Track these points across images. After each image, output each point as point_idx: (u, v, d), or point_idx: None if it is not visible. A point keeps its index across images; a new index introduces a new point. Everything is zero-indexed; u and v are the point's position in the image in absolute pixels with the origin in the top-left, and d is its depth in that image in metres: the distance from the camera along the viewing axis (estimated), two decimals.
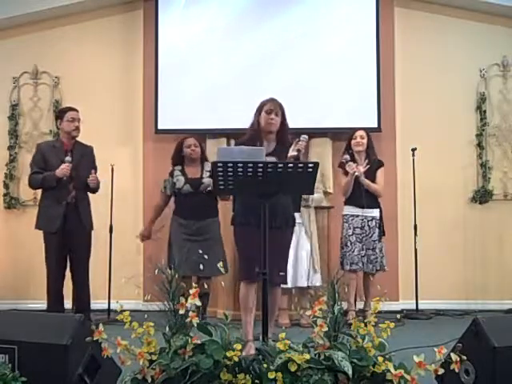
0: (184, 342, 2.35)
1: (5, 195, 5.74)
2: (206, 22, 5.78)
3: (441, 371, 2.29)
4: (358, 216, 4.76)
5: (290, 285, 4.68)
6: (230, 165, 2.64)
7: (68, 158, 4.24)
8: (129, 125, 5.86)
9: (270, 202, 2.76)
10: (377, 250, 4.75)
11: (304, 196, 4.67)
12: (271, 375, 2.25)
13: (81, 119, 4.43)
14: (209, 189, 4.48)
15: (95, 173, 4.42)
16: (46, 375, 2.41)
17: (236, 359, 2.29)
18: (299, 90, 5.57)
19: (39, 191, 4.52)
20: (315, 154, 5.53)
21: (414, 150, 5.28)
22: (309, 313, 2.43)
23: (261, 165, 2.65)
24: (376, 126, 5.56)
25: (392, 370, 2.27)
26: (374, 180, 4.79)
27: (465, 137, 5.73)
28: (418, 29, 5.82)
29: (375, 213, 4.79)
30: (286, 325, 4.58)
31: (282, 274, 3.29)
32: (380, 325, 2.44)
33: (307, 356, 2.29)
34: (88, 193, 4.47)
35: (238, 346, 2.32)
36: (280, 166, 2.70)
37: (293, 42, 5.73)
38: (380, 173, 4.84)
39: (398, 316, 3.46)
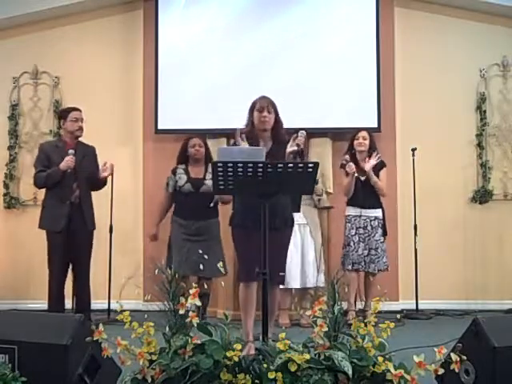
0: (184, 342, 2.35)
1: (5, 195, 5.74)
2: (206, 22, 5.78)
3: (441, 371, 2.29)
4: (360, 216, 4.77)
5: (298, 286, 4.71)
6: (229, 165, 2.64)
7: (71, 151, 4.25)
8: (129, 125, 5.86)
9: (269, 202, 2.75)
10: (379, 250, 4.75)
11: (314, 196, 4.69)
12: (271, 375, 2.25)
13: (84, 119, 4.44)
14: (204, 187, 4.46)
15: (96, 165, 4.43)
16: (45, 375, 2.41)
17: (236, 359, 2.29)
18: (299, 89, 5.57)
19: (41, 191, 4.52)
20: (315, 154, 5.52)
21: (414, 150, 5.28)
22: (309, 313, 2.43)
23: (261, 165, 2.65)
24: (376, 126, 5.56)
25: (392, 370, 2.27)
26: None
27: (465, 137, 5.73)
28: (417, 29, 5.82)
29: (378, 213, 4.80)
30: (286, 325, 4.58)
31: (281, 274, 3.28)
32: (380, 325, 2.44)
33: (307, 356, 2.29)
34: (91, 192, 4.48)
35: (238, 346, 2.32)
36: (280, 165, 2.70)
37: (293, 42, 5.73)
38: (383, 173, 4.85)
39: (398, 316, 3.46)
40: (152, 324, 2.43)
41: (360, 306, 4.89)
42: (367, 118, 5.52)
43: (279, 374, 2.25)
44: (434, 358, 2.28)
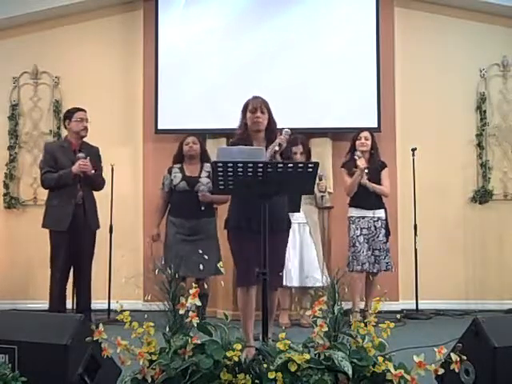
0: (184, 342, 2.35)
1: (5, 195, 5.74)
2: (206, 22, 5.77)
3: (441, 371, 2.29)
4: (364, 217, 4.76)
5: (297, 284, 4.70)
6: (229, 165, 2.64)
7: (82, 154, 4.26)
8: (129, 125, 5.86)
9: (265, 203, 2.73)
10: (383, 251, 4.74)
11: (317, 193, 4.67)
12: (271, 375, 2.25)
13: (89, 119, 4.45)
14: (202, 187, 4.44)
15: (99, 165, 4.41)
16: (45, 375, 2.41)
17: (236, 359, 2.29)
18: (299, 89, 5.57)
19: (41, 191, 4.53)
20: (315, 154, 5.50)
21: (414, 150, 5.28)
22: (309, 313, 2.43)
23: (261, 165, 2.65)
24: (376, 126, 5.56)
25: (392, 370, 2.27)
26: (379, 181, 4.80)
27: (465, 137, 5.73)
28: (417, 29, 5.82)
29: (381, 213, 4.79)
30: (286, 325, 4.58)
31: (280, 274, 3.26)
32: (380, 325, 2.44)
33: (307, 356, 2.29)
34: (94, 192, 4.50)
35: (238, 346, 2.32)
36: (280, 165, 2.70)
37: (293, 42, 5.73)
38: (385, 174, 4.85)
39: (398, 316, 3.46)
40: (152, 324, 2.43)
41: (360, 305, 4.89)
42: (367, 118, 5.52)
43: (279, 374, 2.25)
44: (434, 358, 2.28)
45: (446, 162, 5.66)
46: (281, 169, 2.68)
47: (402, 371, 2.27)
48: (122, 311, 2.46)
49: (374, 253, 4.73)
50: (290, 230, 3.52)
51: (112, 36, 5.90)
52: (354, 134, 4.93)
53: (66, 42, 5.85)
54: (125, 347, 2.39)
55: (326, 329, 2.35)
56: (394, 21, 5.82)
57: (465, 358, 2.30)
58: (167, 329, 2.44)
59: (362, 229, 4.75)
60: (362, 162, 4.67)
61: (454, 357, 2.28)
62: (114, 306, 2.68)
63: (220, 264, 3.23)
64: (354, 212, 4.80)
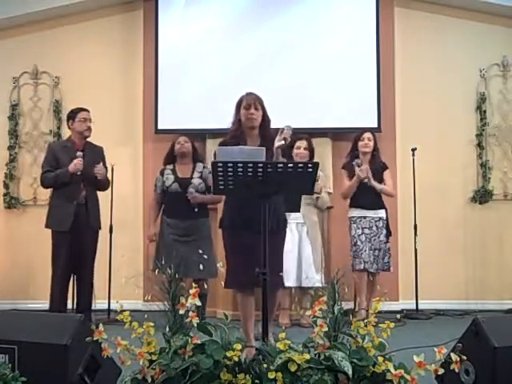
0: (184, 342, 2.35)
1: (5, 195, 5.74)
2: (206, 22, 5.78)
3: (441, 371, 2.29)
4: (365, 217, 4.75)
5: (293, 284, 4.70)
6: (229, 165, 2.64)
7: (80, 153, 4.27)
8: (129, 125, 5.86)
9: (260, 203, 2.71)
10: (383, 251, 4.74)
11: (313, 196, 4.66)
12: (271, 375, 2.25)
13: (92, 119, 4.46)
14: (190, 189, 4.43)
15: (99, 163, 4.44)
16: (45, 375, 2.40)
17: (236, 359, 2.29)
18: (299, 89, 5.57)
19: (42, 191, 4.53)
20: (315, 153, 5.51)
21: (414, 150, 5.28)
22: (309, 313, 2.43)
23: (261, 165, 2.65)
24: (376, 126, 5.56)
25: (392, 370, 2.27)
26: (380, 182, 4.79)
27: (465, 137, 5.74)
28: (417, 29, 5.82)
29: (382, 213, 4.79)
30: (286, 325, 4.58)
31: (280, 274, 3.23)
32: (380, 325, 2.44)
33: (307, 356, 2.29)
34: (97, 192, 4.50)
35: (238, 346, 2.32)
36: (280, 165, 2.70)
37: (293, 42, 5.73)
38: (387, 175, 4.85)
39: (398, 316, 3.46)
40: (152, 324, 2.43)
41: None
42: (367, 118, 5.52)
43: (279, 374, 2.25)
44: (434, 358, 2.28)
45: (446, 162, 5.66)
46: (281, 169, 2.68)
47: (402, 371, 2.27)
48: (122, 311, 2.46)
49: (375, 253, 4.73)
50: (288, 230, 3.49)
51: (112, 36, 5.90)
52: (355, 134, 4.92)
53: (66, 42, 5.85)
54: (125, 347, 2.39)
55: (325, 329, 2.35)
56: (394, 21, 5.83)
57: (465, 358, 2.30)
58: (167, 329, 2.44)
59: (363, 228, 4.74)
60: (363, 173, 4.64)
61: (453, 357, 2.27)
62: (114, 305, 2.68)
63: (220, 264, 3.23)
64: (355, 212, 4.78)
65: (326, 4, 5.78)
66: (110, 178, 4.82)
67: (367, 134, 4.82)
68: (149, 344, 2.40)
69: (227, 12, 5.81)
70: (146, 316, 2.51)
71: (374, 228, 4.74)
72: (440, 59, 5.76)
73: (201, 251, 3.93)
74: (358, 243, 4.73)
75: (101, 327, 2.43)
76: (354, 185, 4.71)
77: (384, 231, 4.77)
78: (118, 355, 2.43)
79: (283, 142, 2.99)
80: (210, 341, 2.36)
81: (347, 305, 4.57)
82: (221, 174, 2.67)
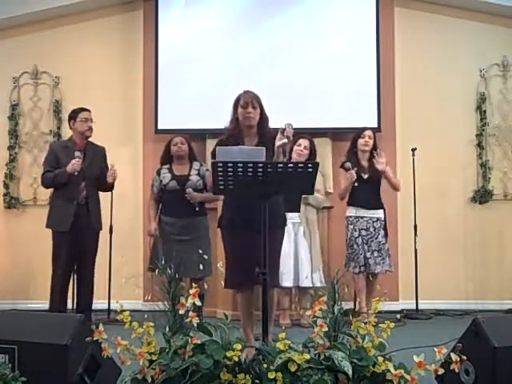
0: (184, 342, 2.35)
1: (5, 195, 5.74)
2: (206, 22, 5.78)
3: (441, 371, 2.29)
4: (362, 217, 4.73)
5: (290, 284, 4.69)
6: (229, 165, 2.64)
7: (78, 153, 4.28)
8: (129, 125, 5.86)
9: (259, 202, 2.71)
10: (383, 252, 4.72)
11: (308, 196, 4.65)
12: (271, 375, 2.25)
13: (93, 119, 4.46)
14: (188, 189, 4.43)
15: (106, 166, 4.45)
16: (45, 375, 2.40)
17: (236, 359, 2.29)
18: (299, 89, 5.57)
19: (42, 191, 4.54)
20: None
21: (414, 150, 5.28)
22: (309, 313, 2.42)
23: (261, 165, 2.65)
24: (376, 126, 5.55)
25: (392, 370, 2.27)
26: (380, 180, 4.78)
27: (465, 137, 5.74)
28: (417, 29, 5.82)
29: (380, 213, 4.77)
30: (287, 325, 4.58)
31: (275, 272, 3.20)
32: (380, 325, 2.44)
33: (307, 356, 2.29)
34: (99, 192, 4.50)
35: (238, 346, 2.32)
36: (280, 165, 2.70)
37: (293, 42, 5.73)
38: (389, 171, 4.81)
39: (398, 316, 3.46)
40: (152, 324, 2.43)
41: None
42: (367, 118, 5.51)
43: (279, 374, 2.25)
44: (434, 358, 2.28)
45: (446, 162, 5.66)
46: (281, 169, 2.67)
47: (402, 371, 2.27)
48: (122, 311, 2.46)
49: (374, 254, 4.70)
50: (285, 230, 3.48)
51: (112, 36, 5.90)
52: (354, 132, 4.91)
53: (66, 42, 5.85)
54: (125, 347, 2.39)
55: (325, 329, 2.35)
56: (394, 21, 5.82)
57: (465, 358, 2.30)
58: (167, 329, 2.44)
59: (360, 230, 4.72)
60: (351, 176, 4.59)
61: (453, 357, 2.27)
62: (114, 306, 2.68)
63: (220, 264, 3.22)
64: (353, 211, 4.76)
65: (325, 4, 5.78)
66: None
67: (368, 132, 4.81)
68: (149, 344, 2.40)
69: (227, 12, 5.81)
70: (145, 316, 2.51)
71: (372, 229, 4.72)
72: (440, 59, 5.76)
73: (201, 251, 3.92)
74: (355, 246, 4.70)
75: (101, 327, 2.43)
76: (347, 186, 4.68)
77: (382, 232, 4.75)
78: (118, 355, 2.43)
79: (286, 141, 2.97)
80: (210, 341, 2.36)
81: (347, 305, 4.60)
82: (221, 174, 2.67)
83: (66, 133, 5.05)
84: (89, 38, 5.87)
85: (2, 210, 5.76)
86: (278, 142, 2.99)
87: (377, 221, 4.74)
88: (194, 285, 2.50)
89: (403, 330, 4.31)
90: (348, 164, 4.73)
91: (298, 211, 4.73)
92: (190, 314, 2.40)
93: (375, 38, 5.68)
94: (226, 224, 3.25)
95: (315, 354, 2.35)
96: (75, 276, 4.44)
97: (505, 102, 5.79)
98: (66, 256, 4.27)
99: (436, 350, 2.27)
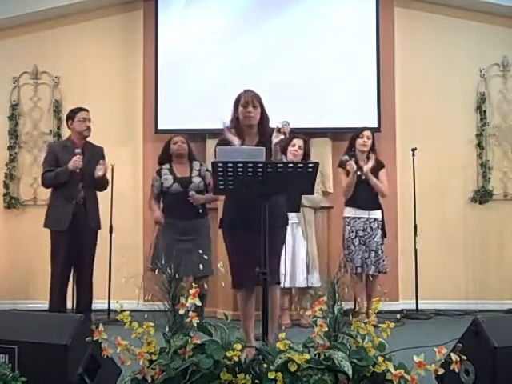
0: (184, 342, 2.35)
1: (5, 195, 5.74)
2: (206, 22, 5.78)
3: (441, 371, 2.29)
4: (360, 218, 4.72)
5: (288, 285, 4.68)
6: (229, 165, 2.64)
7: (78, 151, 4.27)
8: (129, 125, 5.86)
9: (260, 202, 2.71)
10: (380, 252, 4.72)
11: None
12: (271, 375, 2.25)
13: (91, 119, 4.46)
14: (191, 192, 4.43)
15: (103, 164, 4.43)
16: (45, 375, 2.41)
17: (236, 359, 2.29)
18: (299, 89, 5.57)
19: (42, 191, 4.54)
20: (315, 154, 5.51)
21: (414, 150, 5.28)
22: (309, 313, 2.42)
23: (261, 165, 2.65)
24: (376, 126, 5.56)
25: (392, 370, 2.27)
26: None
27: (465, 137, 5.74)
28: (417, 29, 5.82)
29: (377, 214, 4.76)
30: (287, 325, 4.58)
31: (276, 270, 3.17)
32: (380, 325, 2.44)
33: (307, 356, 2.29)
34: (97, 192, 4.49)
35: (238, 346, 2.32)
36: (280, 165, 2.70)
37: (293, 42, 5.73)
38: (383, 174, 4.81)
39: (398, 316, 3.45)
40: (152, 324, 2.43)
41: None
42: (367, 118, 5.51)
43: (279, 374, 2.25)
44: (434, 358, 2.28)
45: (446, 162, 5.66)
46: (281, 169, 2.67)
47: (402, 371, 2.27)
48: (122, 311, 2.46)
49: (371, 254, 4.70)
50: None
51: (112, 36, 5.90)
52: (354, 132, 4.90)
53: (66, 42, 5.85)
54: (125, 347, 2.39)
55: (325, 329, 2.35)
56: (394, 21, 5.83)
57: (465, 358, 2.30)
58: (167, 329, 2.44)
59: (357, 231, 4.71)
60: (351, 166, 4.60)
61: (454, 357, 2.27)
62: (114, 306, 2.68)
63: (220, 264, 3.22)
64: (350, 212, 4.76)
65: (325, 4, 5.78)
66: (109, 178, 4.83)
67: (367, 133, 4.80)
68: (149, 344, 2.40)
69: (227, 12, 5.81)
70: (145, 316, 2.51)
71: (369, 229, 4.72)
72: (440, 59, 5.76)
73: (201, 251, 3.91)
74: (352, 247, 4.70)
75: (101, 327, 2.43)
76: (351, 181, 4.66)
77: (379, 232, 4.74)
78: (118, 355, 2.43)
79: (282, 137, 2.95)
80: (210, 341, 2.36)
81: (347, 305, 4.60)
82: (221, 174, 2.67)
83: (66, 133, 5.04)
84: (89, 38, 5.87)
85: (2, 210, 5.77)
86: (274, 140, 2.97)
87: (374, 221, 4.74)
88: (193, 285, 2.50)
89: (403, 330, 4.31)
90: (346, 157, 4.72)
91: (298, 211, 4.74)
92: (190, 313, 2.40)
93: (375, 38, 5.68)
94: (227, 225, 3.24)
95: (315, 354, 2.35)
96: (75, 276, 4.43)
97: (505, 102, 5.79)
98: (64, 255, 4.27)
99: (436, 349, 2.27)
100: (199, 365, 2.27)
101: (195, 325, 2.40)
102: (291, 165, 2.73)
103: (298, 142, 4.62)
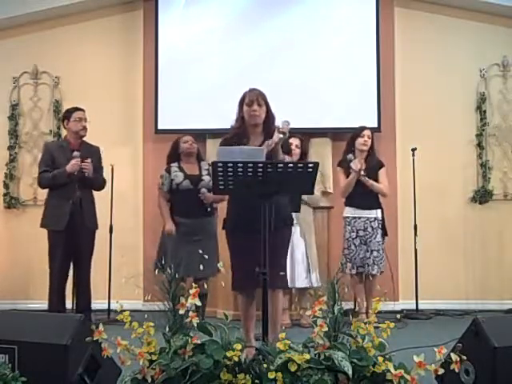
0: (184, 342, 2.35)
1: (5, 195, 5.74)
2: (206, 22, 5.78)
3: (441, 371, 2.29)
4: (360, 218, 4.72)
5: (288, 285, 4.68)
6: (229, 165, 2.64)
7: (76, 153, 4.27)
8: (129, 125, 5.86)
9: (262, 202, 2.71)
10: (380, 252, 4.72)
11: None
12: (271, 375, 2.25)
13: (87, 119, 4.45)
14: (202, 189, 4.42)
15: (100, 165, 4.41)
16: (45, 375, 2.41)
17: (236, 359, 2.29)
18: (299, 89, 5.57)
19: (42, 191, 4.54)
20: (315, 154, 5.52)
21: (414, 150, 5.28)
22: (309, 313, 2.42)
23: (261, 165, 2.65)
24: (376, 126, 5.56)
25: (392, 370, 2.27)
26: (376, 181, 4.75)
27: (465, 137, 5.73)
28: (417, 29, 5.82)
29: (377, 213, 4.76)
30: (287, 325, 4.58)
31: (281, 273, 3.16)
32: (380, 325, 2.44)
33: (307, 356, 2.29)
34: (93, 192, 4.49)
35: (238, 346, 2.32)
36: (280, 165, 2.70)
37: (293, 42, 5.73)
38: (383, 173, 4.81)
39: (398, 316, 3.46)
40: (152, 324, 2.43)
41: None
42: (367, 118, 5.50)
43: (279, 374, 2.25)
44: (434, 358, 2.28)
45: (446, 162, 5.66)
46: (281, 169, 2.67)
47: (402, 371, 2.27)
48: (122, 311, 2.46)
49: (373, 253, 4.69)
50: None
51: (112, 36, 5.90)
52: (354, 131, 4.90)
53: (66, 42, 5.85)
54: (125, 347, 2.39)
55: (325, 329, 2.35)
56: (394, 21, 5.82)
57: (465, 358, 2.30)
58: (167, 329, 2.44)
59: (357, 230, 4.71)
60: (356, 165, 4.60)
61: (454, 357, 2.27)
62: (114, 306, 2.68)
63: (220, 264, 3.22)
64: (350, 212, 4.75)
65: (326, 4, 5.78)
66: (108, 178, 4.83)
67: (367, 132, 4.80)
68: (149, 344, 2.40)
69: (227, 12, 5.81)
70: (146, 316, 2.51)
71: (369, 229, 4.71)
72: (440, 59, 5.76)
73: (201, 251, 3.91)
74: (352, 247, 4.69)
75: (101, 327, 2.43)
76: (351, 181, 4.66)
77: (380, 231, 4.74)
78: (118, 355, 2.43)
79: (282, 136, 2.94)
80: (210, 341, 2.36)
81: (347, 305, 4.61)
82: (221, 173, 2.67)
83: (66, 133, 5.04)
84: (89, 38, 5.87)
85: (2, 209, 5.77)
86: (275, 139, 2.97)
87: (374, 220, 4.73)
88: (193, 285, 2.50)
89: (403, 330, 4.32)
90: (350, 155, 4.70)
91: (299, 211, 4.74)
92: (190, 313, 2.40)
93: (375, 38, 5.68)
94: (229, 225, 3.23)
95: (315, 354, 2.35)
96: (74, 276, 4.42)
97: (505, 102, 5.79)
98: (61, 255, 4.26)
99: (436, 349, 2.27)
100: (199, 365, 2.27)
101: (195, 325, 2.40)
102: (291, 165, 2.73)
103: (294, 141, 4.61)
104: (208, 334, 2.41)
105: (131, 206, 5.71)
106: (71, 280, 4.43)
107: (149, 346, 2.39)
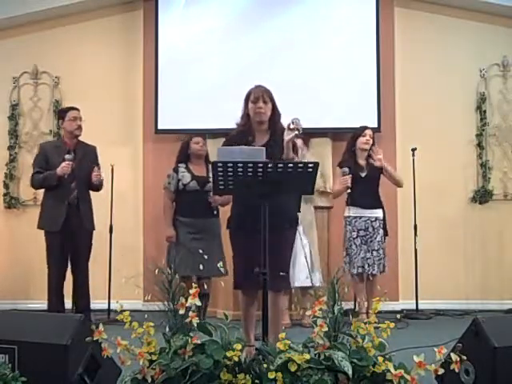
0: (184, 342, 2.35)
1: (5, 195, 5.74)
2: (206, 22, 5.78)
3: (441, 371, 2.29)
4: (361, 217, 4.71)
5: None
6: (229, 165, 2.63)
7: (68, 156, 4.25)
8: (129, 125, 5.86)
9: (270, 201, 2.71)
10: (381, 252, 4.71)
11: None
12: (271, 375, 2.25)
13: (82, 118, 4.44)
14: (211, 192, 4.42)
15: (99, 169, 4.42)
16: (45, 375, 2.41)
17: (236, 359, 2.29)
18: (299, 89, 5.56)
19: (41, 191, 4.53)
20: (315, 154, 5.52)
21: (414, 150, 5.28)
22: (309, 313, 2.42)
23: (261, 165, 2.64)
24: (376, 126, 5.56)
25: (392, 370, 2.27)
26: (378, 178, 4.76)
27: (465, 137, 5.74)
28: (417, 29, 5.82)
29: (378, 213, 4.76)
30: (287, 325, 4.57)
31: (282, 274, 3.13)
32: (380, 325, 2.44)
33: (307, 356, 2.28)
34: (90, 192, 4.48)
35: (238, 346, 2.31)
36: (280, 165, 2.69)
37: (293, 42, 5.74)
38: (387, 165, 4.81)
39: (398, 316, 3.45)
40: (152, 324, 2.42)
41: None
42: (367, 118, 5.50)
43: (279, 374, 2.25)
44: (434, 358, 2.27)
45: (446, 162, 5.66)
46: (281, 169, 2.67)
47: (402, 371, 2.27)
48: (122, 311, 2.46)
49: (373, 253, 4.69)
50: None
51: (112, 36, 5.90)
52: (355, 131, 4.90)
53: (66, 42, 5.85)
54: (125, 347, 2.39)
55: (325, 329, 2.35)
56: (394, 21, 5.83)
57: (465, 358, 2.30)
58: (167, 329, 2.44)
59: (358, 230, 4.71)
60: (345, 181, 4.57)
61: (454, 357, 2.27)
62: (114, 306, 2.68)
63: (220, 264, 3.22)
64: (351, 211, 4.74)
65: (326, 4, 5.78)
66: (108, 178, 4.83)
67: (369, 131, 4.81)
68: (149, 344, 2.40)
69: (227, 12, 5.81)
70: (146, 316, 2.51)
71: (370, 229, 4.71)
72: (440, 59, 5.76)
73: (201, 251, 3.90)
74: (353, 247, 4.69)
75: (101, 327, 2.43)
76: (341, 191, 4.68)
77: (381, 231, 4.73)
78: (118, 355, 2.43)
79: (296, 133, 2.89)
80: (210, 341, 2.36)
81: (347, 305, 4.59)
82: (221, 173, 2.67)
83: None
84: (89, 38, 5.88)
85: (2, 209, 5.77)
86: (286, 137, 2.93)
87: (375, 220, 4.73)
88: (194, 285, 2.50)
89: (403, 330, 4.32)
90: (345, 169, 4.68)
91: (299, 211, 4.73)
92: (190, 313, 2.40)
93: (375, 38, 5.68)
94: (233, 225, 3.22)
95: (315, 354, 2.35)
96: (72, 277, 4.42)
97: (505, 102, 5.79)
98: (58, 256, 4.25)
99: (436, 349, 2.27)
100: (199, 365, 2.27)
101: (195, 325, 2.40)
102: (291, 165, 2.72)
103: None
104: (208, 334, 2.40)
105: (131, 206, 5.71)
106: (70, 280, 4.43)
107: (149, 346, 2.39)
